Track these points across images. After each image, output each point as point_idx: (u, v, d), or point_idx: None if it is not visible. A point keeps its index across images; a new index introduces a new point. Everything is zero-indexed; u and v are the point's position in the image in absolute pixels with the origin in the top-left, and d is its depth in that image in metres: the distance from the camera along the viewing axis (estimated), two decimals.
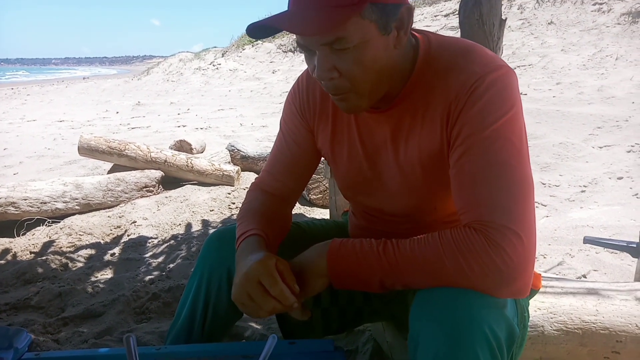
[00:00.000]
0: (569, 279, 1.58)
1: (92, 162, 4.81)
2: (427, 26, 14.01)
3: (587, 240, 1.90)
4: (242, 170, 4.29)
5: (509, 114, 0.82)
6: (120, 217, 3.33)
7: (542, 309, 1.23)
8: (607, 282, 1.44)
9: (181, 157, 4.06)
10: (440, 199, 0.97)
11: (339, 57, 0.82)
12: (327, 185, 3.36)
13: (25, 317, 1.93)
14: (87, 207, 3.48)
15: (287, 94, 1.12)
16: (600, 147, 4.69)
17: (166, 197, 3.71)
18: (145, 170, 3.92)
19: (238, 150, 4.55)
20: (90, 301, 2.06)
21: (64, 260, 2.55)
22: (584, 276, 2.25)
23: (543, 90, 7.77)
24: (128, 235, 3.04)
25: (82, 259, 2.65)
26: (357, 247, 0.85)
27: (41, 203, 3.29)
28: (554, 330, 1.20)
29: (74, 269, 2.50)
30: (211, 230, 3.06)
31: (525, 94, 7.30)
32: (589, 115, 5.86)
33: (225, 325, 1.11)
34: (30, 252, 2.75)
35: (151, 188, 3.83)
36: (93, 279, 2.36)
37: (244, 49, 19.29)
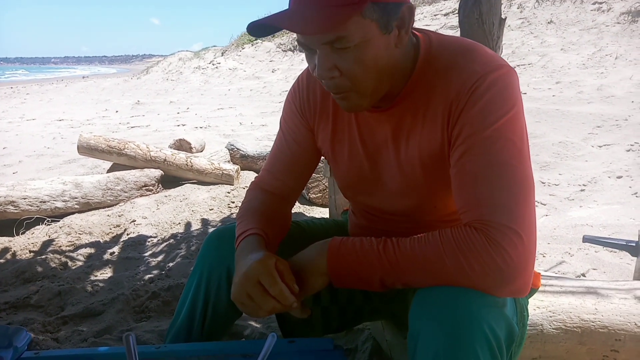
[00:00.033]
0: (568, 277, 1.58)
1: (91, 161, 4.81)
2: (426, 25, 14.01)
3: (587, 239, 1.90)
4: (241, 169, 4.29)
5: (510, 113, 0.82)
6: (119, 216, 3.32)
7: (541, 307, 1.23)
8: (606, 280, 1.44)
9: (181, 156, 4.06)
10: (441, 199, 0.97)
11: (339, 56, 0.81)
12: (326, 184, 3.36)
13: (24, 316, 1.93)
14: (87, 206, 3.48)
15: (286, 93, 1.12)
16: (600, 146, 4.69)
17: (166, 196, 3.71)
18: (145, 169, 3.91)
19: (237, 149, 4.54)
20: (89, 300, 2.06)
21: (63, 259, 2.56)
22: (583, 275, 2.25)
23: (543, 89, 7.78)
24: (127, 234, 3.04)
25: (82, 258, 2.65)
26: (357, 246, 0.85)
27: (40, 202, 3.29)
28: (553, 328, 1.20)
29: (74, 267, 2.50)
30: (211, 229, 3.06)
31: (525, 93, 7.31)
32: (589, 115, 5.86)
33: (225, 324, 1.11)
34: (30, 251, 2.75)
35: (150, 187, 3.83)
36: (92, 277, 2.36)
37: (243, 48, 19.29)
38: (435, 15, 15.28)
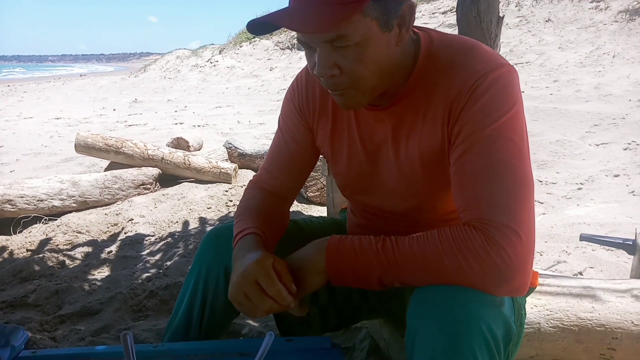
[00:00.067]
0: (565, 276, 1.58)
1: (89, 159, 4.80)
2: (424, 23, 14.01)
3: (584, 238, 1.91)
4: (239, 168, 4.28)
5: (510, 112, 0.82)
6: (117, 215, 3.32)
7: (538, 306, 1.23)
8: (603, 279, 1.44)
9: (178, 155, 4.05)
10: (440, 198, 0.97)
11: (340, 54, 0.81)
12: (324, 182, 3.36)
13: (22, 315, 1.92)
14: (84, 205, 3.48)
15: (284, 91, 1.12)
16: (597, 145, 4.71)
17: (163, 195, 3.71)
18: (143, 168, 3.91)
19: (235, 147, 4.54)
20: (87, 299, 2.06)
21: (60, 258, 2.55)
22: (580, 273, 2.25)
23: (540, 87, 7.79)
24: (125, 233, 3.04)
25: (79, 257, 2.64)
26: (356, 244, 0.85)
27: (38, 200, 3.28)
28: (550, 327, 1.21)
29: (71, 266, 2.50)
30: (208, 228, 3.06)
31: (523, 92, 7.28)
32: (586, 113, 5.87)
33: (223, 322, 1.11)
34: (27, 250, 2.75)
35: (148, 185, 3.83)
36: (90, 276, 2.35)
37: (241, 46, 19.26)
38: (433, 14, 15.28)
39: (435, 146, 0.90)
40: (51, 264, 2.46)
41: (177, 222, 3.18)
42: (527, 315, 1.03)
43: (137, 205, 3.48)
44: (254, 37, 18.98)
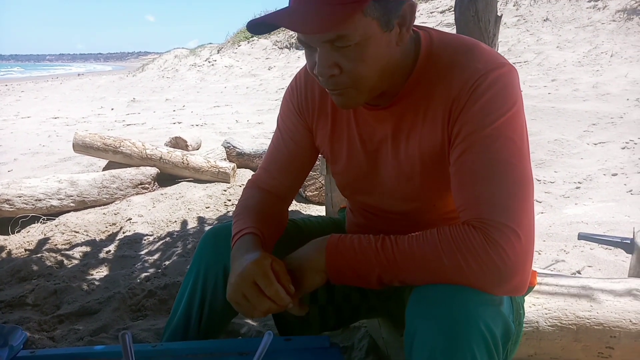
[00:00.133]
0: (563, 275, 1.59)
1: (87, 159, 4.79)
2: (423, 23, 13.99)
3: (582, 237, 1.91)
4: (237, 167, 4.28)
5: (510, 112, 0.82)
6: (115, 214, 3.31)
7: (536, 305, 1.24)
8: (601, 278, 1.44)
9: (177, 154, 4.05)
10: (440, 197, 0.97)
11: (340, 54, 0.81)
12: (323, 182, 3.35)
13: (20, 315, 1.92)
14: (82, 205, 3.47)
15: (283, 90, 1.12)
16: (595, 144, 4.71)
17: (162, 194, 3.70)
18: (141, 167, 3.90)
19: (234, 147, 4.54)
20: (85, 298, 2.05)
21: (59, 258, 2.55)
22: (579, 272, 2.26)
23: (538, 87, 7.80)
24: (123, 233, 3.04)
25: (77, 257, 2.64)
26: (356, 243, 0.85)
27: (36, 200, 3.27)
28: (548, 326, 1.21)
29: (69, 266, 2.50)
30: (207, 228, 3.05)
31: (521, 91, 7.33)
32: (584, 112, 5.89)
33: (222, 322, 1.11)
34: (25, 250, 2.74)
35: (146, 185, 3.82)
36: (88, 276, 2.35)
37: (239, 46, 19.23)
38: (431, 13, 15.28)
39: (436, 146, 0.90)
40: (49, 264, 2.45)
41: (175, 221, 3.18)
42: (525, 314, 1.03)
43: (135, 205, 3.47)
44: (252, 37, 18.97)
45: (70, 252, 2.68)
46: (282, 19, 0.78)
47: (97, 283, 2.23)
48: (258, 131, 6.70)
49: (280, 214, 1.10)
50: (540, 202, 3.37)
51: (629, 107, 5.91)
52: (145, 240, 2.89)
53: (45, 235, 2.94)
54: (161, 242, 2.84)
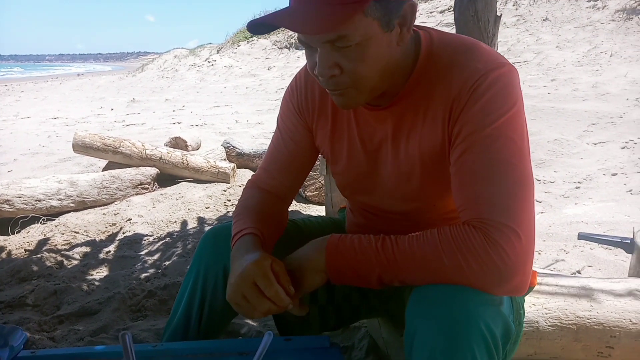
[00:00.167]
0: (563, 275, 1.59)
1: (86, 159, 4.79)
2: (422, 23, 13.99)
3: (582, 237, 1.91)
4: (237, 167, 4.28)
5: (510, 112, 0.82)
6: (115, 215, 3.31)
7: (536, 304, 1.24)
8: (601, 278, 1.44)
9: (176, 154, 4.05)
10: (440, 197, 0.97)
11: (341, 54, 0.81)
12: (322, 182, 3.35)
13: (20, 315, 1.92)
14: (82, 205, 3.47)
15: (282, 90, 1.12)
16: (595, 144, 4.72)
17: (161, 195, 3.70)
18: (141, 168, 3.90)
19: (233, 147, 4.54)
20: (85, 299, 2.05)
21: (59, 258, 2.55)
22: (579, 272, 2.26)
23: (538, 86, 7.81)
24: (123, 233, 3.04)
25: (77, 257, 2.64)
26: (356, 243, 0.85)
27: (36, 200, 3.27)
28: (548, 325, 1.21)
29: (69, 266, 2.50)
30: (207, 228, 3.05)
31: (521, 91, 7.33)
32: (584, 112, 5.89)
33: (222, 322, 1.11)
34: (25, 250, 2.74)
35: (146, 185, 3.82)
36: (88, 276, 2.35)
37: (239, 46, 19.23)
38: (430, 13, 15.28)
39: (436, 146, 0.90)
40: (49, 264, 2.45)
41: (175, 221, 3.18)
42: (525, 314, 1.03)
43: (135, 205, 3.47)
44: (251, 37, 18.97)
45: (70, 253, 2.68)
46: (282, 19, 0.78)
47: (97, 283, 2.23)
48: (258, 131, 6.69)
49: (280, 214, 1.10)
50: (540, 202, 3.37)
51: (628, 107, 5.91)
52: (145, 240, 2.89)
53: (45, 235, 2.94)
54: (161, 242, 2.84)
